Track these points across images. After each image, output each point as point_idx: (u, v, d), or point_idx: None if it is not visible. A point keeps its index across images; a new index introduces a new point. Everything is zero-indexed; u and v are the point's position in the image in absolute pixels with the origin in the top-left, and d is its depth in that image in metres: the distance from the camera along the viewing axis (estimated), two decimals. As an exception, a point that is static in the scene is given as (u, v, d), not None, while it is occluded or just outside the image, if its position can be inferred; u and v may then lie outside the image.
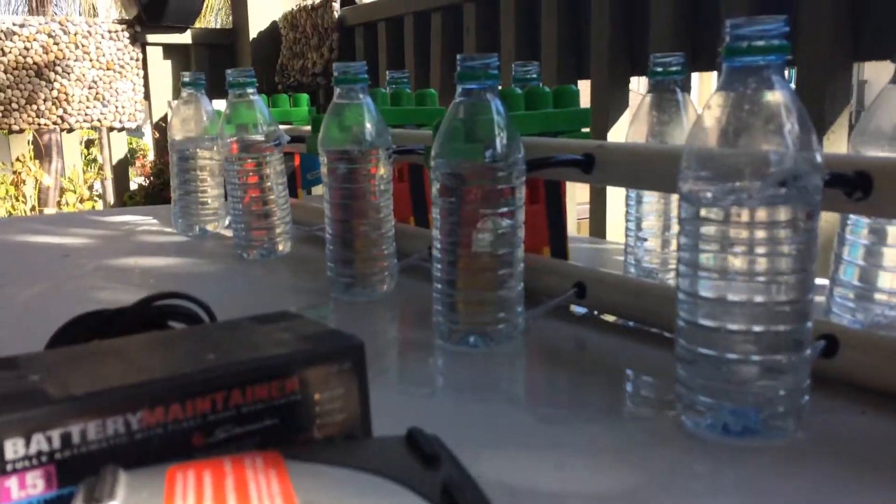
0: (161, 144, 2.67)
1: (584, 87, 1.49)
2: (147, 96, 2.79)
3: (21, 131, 2.60)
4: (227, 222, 1.29)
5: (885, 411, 0.50)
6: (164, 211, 1.42)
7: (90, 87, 2.66)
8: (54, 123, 2.64)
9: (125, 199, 2.54)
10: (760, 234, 0.43)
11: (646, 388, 0.59)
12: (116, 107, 2.73)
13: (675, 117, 0.80)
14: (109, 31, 2.66)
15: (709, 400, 0.45)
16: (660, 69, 0.78)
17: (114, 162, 2.76)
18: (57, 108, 2.64)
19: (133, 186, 2.73)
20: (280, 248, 1.09)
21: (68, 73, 2.62)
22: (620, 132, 1.41)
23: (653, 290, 0.69)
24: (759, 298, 0.43)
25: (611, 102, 1.36)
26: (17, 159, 2.62)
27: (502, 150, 0.63)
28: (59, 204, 2.60)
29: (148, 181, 2.51)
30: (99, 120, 2.72)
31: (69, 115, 2.66)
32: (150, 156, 2.99)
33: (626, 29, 1.35)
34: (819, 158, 0.44)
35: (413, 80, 1.96)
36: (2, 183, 2.53)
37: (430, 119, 1.12)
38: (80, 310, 0.50)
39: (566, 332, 0.72)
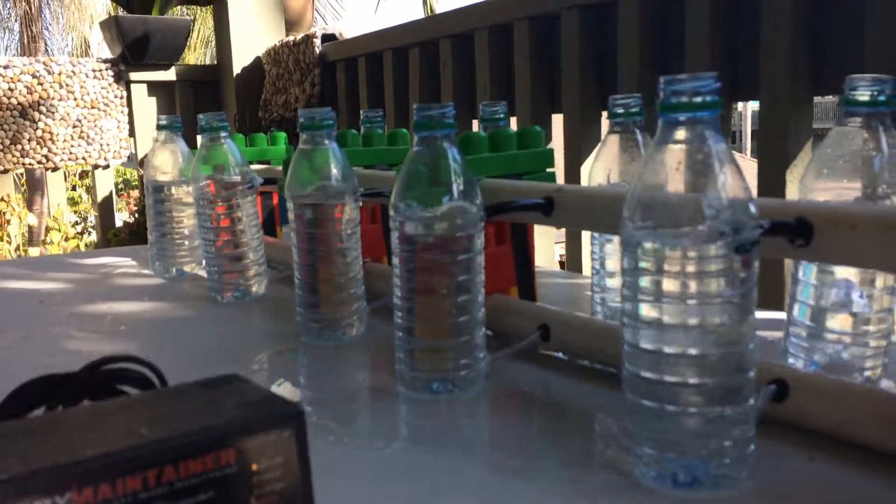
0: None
1: (559, 121, 1.51)
2: (132, 133, 2.80)
3: (5, 171, 2.61)
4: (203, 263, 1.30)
5: (833, 457, 0.50)
6: (143, 251, 1.42)
7: (75, 126, 2.67)
8: (39, 163, 2.65)
9: (109, 236, 2.54)
10: (695, 284, 0.44)
11: (604, 437, 0.59)
12: (101, 144, 2.74)
13: (635, 156, 0.81)
14: (94, 70, 2.68)
15: (653, 452, 0.46)
16: (620, 110, 0.79)
17: (99, 199, 2.77)
18: (42, 148, 2.64)
19: (119, 223, 2.74)
20: (254, 289, 1.10)
21: (53, 113, 2.63)
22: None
23: (616, 332, 0.70)
24: (694, 350, 0.44)
25: (583, 136, 1.37)
26: (2, 199, 2.62)
27: (459, 197, 0.64)
28: (43, 243, 2.60)
29: (133, 218, 2.52)
30: (84, 158, 2.72)
31: (54, 153, 2.67)
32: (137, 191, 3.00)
33: (597, 64, 1.36)
34: (753, 209, 0.45)
35: (392, 114, 1.98)
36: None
37: (401, 159, 1.13)
38: (49, 362, 0.51)
39: (531, 375, 0.72)
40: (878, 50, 0.97)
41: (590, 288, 0.88)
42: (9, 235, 2.55)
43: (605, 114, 1.47)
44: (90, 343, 0.91)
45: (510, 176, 0.84)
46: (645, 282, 0.45)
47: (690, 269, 0.44)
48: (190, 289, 1.19)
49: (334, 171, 0.83)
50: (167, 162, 1.27)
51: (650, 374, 0.45)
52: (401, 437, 0.62)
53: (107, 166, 2.78)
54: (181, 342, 0.92)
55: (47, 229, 2.64)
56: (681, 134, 0.44)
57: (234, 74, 2.72)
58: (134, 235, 2.45)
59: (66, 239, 2.62)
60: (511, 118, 1.06)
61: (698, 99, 0.44)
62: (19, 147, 2.61)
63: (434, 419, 0.63)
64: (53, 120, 2.64)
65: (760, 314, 0.47)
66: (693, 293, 0.44)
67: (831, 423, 0.52)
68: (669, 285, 0.44)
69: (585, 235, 1.41)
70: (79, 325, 0.99)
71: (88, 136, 2.71)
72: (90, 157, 2.74)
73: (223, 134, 1.07)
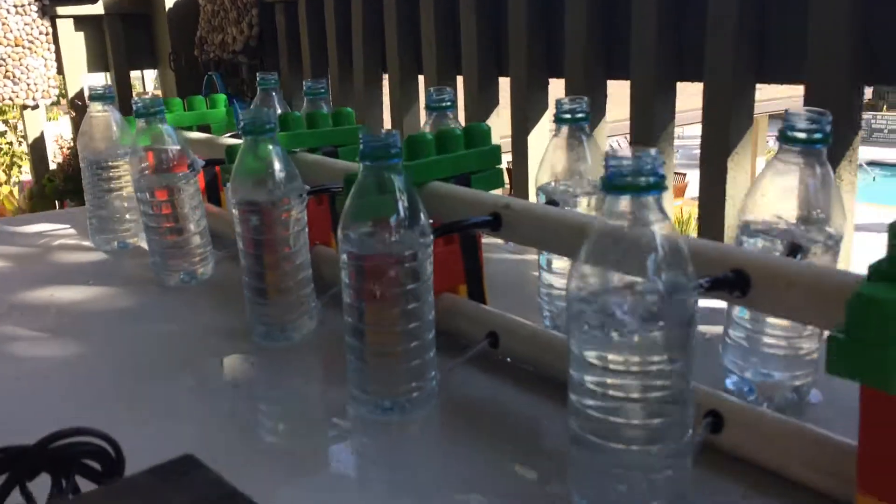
0: (78, 124, 2.57)
1: (505, 84, 1.49)
2: (60, 70, 2.67)
3: (-74, 114, 2.48)
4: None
5: (766, 494, 0.53)
6: (81, 216, 1.38)
7: (-2, 65, 2.54)
8: (-38, 104, 2.52)
9: (44, 182, 2.45)
10: (638, 360, 0.46)
11: (544, 461, 0.61)
12: (28, 84, 2.61)
13: (581, 157, 0.81)
14: (15, 6, 2.53)
15: (591, 492, 0.48)
16: (567, 116, 0.79)
17: (30, 141, 2.66)
18: (-36, 89, 2.51)
19: (52, 167, 2.64)
20: (200, 272, 1.08)
21: (-27, 51, 2.49)
22: (539, 134, 1.42)
23: (563, 344, 0.71)
24: (637, 421, 0.46)
25: (529, 102, 1.36)
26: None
27: (405, 225, 0.64)
28: (-26, 190, 2.51)
29: (64, 160, 2.42)
30: (10, 98, 2.60)
31: (-22, 95, 2.54)
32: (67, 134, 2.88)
33: (545, 31, 1.34)
34: (691, 283, 0.46)
35: (336, 62, 1.93)
36: None
37: (347, 139, 1.10)
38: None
39: (482, 385, 0.73)
40: (818, 42, 0.98)
41: (536, 268, 0.88)
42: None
43: (552, 81, 1.47)
44: (36, 347, 0.89)
45: (459, 176, 0.83)
46: (590, 354, 0.47)
47: (634, 342, 0.46)
48: (133, 268, 1.17)
49: (279, 175, 0.81)
50: (102, 133, 1.23)
51: (596, 437, 0.47)
52: (345, 469, 0.63)
53: (35, 106, 2.66)
54: (130, 342, 0.91)
55: (-24, 175, 2.54)
56: (624, 207, 0.45)
57: (167, 8, 2.59)
58: (69, 181, 2.37)
59: (-2, 185, 2.53)
60: (458, 104, 1.04)
61: (643, 179, 0.44)
62: (-61, 89, 2.47)
63: (383, 446, 0.65)
64: (-25, 59, 2.49)
65: (702, 302, 0.48)
66: (635, 364, 0.46)
67: (764, 459, 0.55)
68: (614, 358, 0.46)
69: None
70: (20, 320, 0.97)
71: (14, 76, 2.58)
72: (17, 97, 2.61)
73: (160, 118, 1.03)
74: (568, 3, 1.25)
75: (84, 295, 1.07)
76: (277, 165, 0.81)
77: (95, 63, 2.75)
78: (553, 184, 0.82)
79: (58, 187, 2.40)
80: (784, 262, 0.53)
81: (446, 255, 0.83)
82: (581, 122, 0.79)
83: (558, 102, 0.79)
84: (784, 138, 0.60)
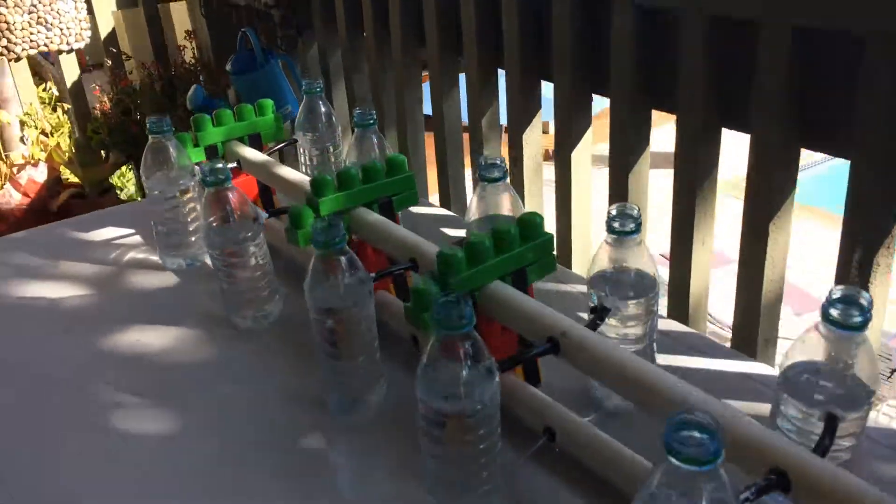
0: (116, 68, 2.59)
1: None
2: (90, 12, 2.66)
3: (-33, 67, 2.51)
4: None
5: None
6: (140, 216, 1.45)
7: (30, 12, 2.53)
8: (0, 54, 2.54)
9: (89, 133, 2.50)
10: None
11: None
12: (61, 28, 2.61)
13: (631, 261, 0.87)
14: (40, -50, 2.49)
15: None
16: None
17: (69, 85, 2.68)
18: (1, 39, 2.52)
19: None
20: (269, 312, 1.17)
21: (5, 0, 2.48)
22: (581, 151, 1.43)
23: (625, 453, 0.79)
24: None
25: (525, 104, 1.37)
26: (-30, 95, 2.54)
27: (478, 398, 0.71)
28: (21, 140, 2.56)
29: (105, 106, 2.45)
30: (45, 44, 2.61)
31: (14, 43, 2.55)
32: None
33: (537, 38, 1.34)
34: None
35: (371, 22, 1.89)
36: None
37: (401, 188, 1.14)
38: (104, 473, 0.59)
39: (541, 484, 0.83)
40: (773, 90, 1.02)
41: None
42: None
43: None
44: (138, 418, 0.99)
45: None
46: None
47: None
48: (204, 299, 1.25)
49: (349, 279, 0.88)
50: (162, 163, 1.29)
51: None
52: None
53: (70, 50, 2.67)
54: (219, 408, 1.00)
55: (22, 125, 2.58)
56: (684, 479, 0.52)
57: (194, -55, 2.53)
58: (114, 133, 2.42)
59: (45, 134, 2.58)
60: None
61: (705, 455, 0.51)
62: (-24, 40, 2.49)
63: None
64: (7, 8, 2.49)
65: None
66: None
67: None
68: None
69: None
70: (115, 380, 1.07)
71: (46, 21, 2.58)
72: (52, 42, 2.62)
73: (227, 184, 1.09)
74: (613, 29, 1.24)
75: (165, 340, 1.16)
76: (348, 274, 0.88)
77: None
78: (604, 292, 0.87)
79: (103, 140, 2.46)
80: (826, 467, 0.60)
81: (504, 338, 0.91)
82: (632, 234, 0.84)
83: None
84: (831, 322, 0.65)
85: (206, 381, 1.07)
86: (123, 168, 2.65)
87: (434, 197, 1.96)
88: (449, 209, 1.82)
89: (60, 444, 0.96)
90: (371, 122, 1.25)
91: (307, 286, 0.89)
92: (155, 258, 1.39)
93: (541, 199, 1.54)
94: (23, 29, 2.53)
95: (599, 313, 0.84)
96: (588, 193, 1.41)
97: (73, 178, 2.57)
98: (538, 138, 1.45)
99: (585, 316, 0.91)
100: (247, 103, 1.50)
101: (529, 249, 0.91)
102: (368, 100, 2.04)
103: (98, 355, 1.13)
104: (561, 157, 1.37)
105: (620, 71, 1.24)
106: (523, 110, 1.41)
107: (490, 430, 0.74)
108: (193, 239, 1.34)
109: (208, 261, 1.36)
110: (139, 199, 2.84)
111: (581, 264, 1.52)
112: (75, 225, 1.54)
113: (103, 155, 2.51)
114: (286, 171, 1.30)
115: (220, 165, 1.08)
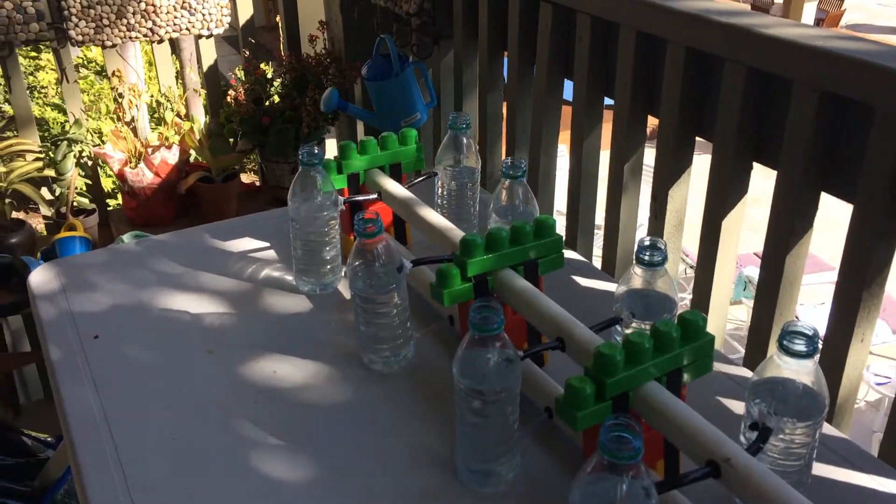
0: (252, 58, 2.65)
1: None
2: (232, -1, 2.72)
3: (113, 46, 2.61)
4: (342, 273, 1.37)
5: None
6: (280, 224, 1.49)
7: (176, -4, 2.61)
8: (144, 36, 2.63)
9: (222, 119, 2.57)
10: None
11: None
12: (203, 14, 2.68)
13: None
14: (190, -63, 2.56)
15: None
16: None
17: (205, 70, 2.76)
18: (146, 21, 2.61)
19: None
20: (402, 355, 1.18)
21: (153, -16, 2.56)
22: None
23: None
24: None
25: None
26: (114, 73, 2.65)
27: None
28: (162, 121, 2.65)
29: (242, 105, 2.51)
30: (187, 29, 2.68)
31: (158, 26, 2.63)
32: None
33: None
34: None
35: (515, 45, 1.86)
36: (102, 99, 2.59)
37: (548, 251, 1.12)
38: None
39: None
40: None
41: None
42: (123, 110, 2.60)
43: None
44: (275, 456, 1.02)
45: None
46: None
47: None
48: (338, 332, 1.27)
49: (500, 367, 0.88)
50: (310, 193, 1.31)
51: None
52: None
53: (210, 36, 2.74)
54: (357, 462, 1.02)
55: (159, 106, 2.68)
56: None
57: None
58: (244, 124, 2.48)
59: (180, 116, 2.66)
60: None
61: None
62: (124, 21, 2.58)
63: None
64: (155, -9, 2.57)
65: None
66: None
67: None
68: None
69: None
70: (256, 415, 1.10)
71: (190, 6, 2.65)
72: (193, 27, 2.69)
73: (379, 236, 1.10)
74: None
75: (301, 374, 1.18)
76: (499, 357, 0.88)
77: (264, -11, 2.77)
78: (767, 406, 0.84)
79: (234, 129, 2.52)
80: None
81: (650, 439, 0.89)
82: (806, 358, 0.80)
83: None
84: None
85: (339, 424, 1.09)
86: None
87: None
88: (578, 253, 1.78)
89: (198, 472, 1.00)
90: (464, 126, 1.38)
91: (459, 365, 0.89)
92: (289, 278, 1.42)
93: (677, 256, 1.50)
94: (168, 12, 2.61)
95: (762, 434, 0.81)
96: (732, 266, 1.36)
97: (200, 159, 2.65)
98: (684, 195, 1.41)
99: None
100: (376, 107, 1.58)
101: (690, 350, 0.88)
102: (498, 119, 2.02)
103: (239, 384, 1.16)
104: (710, 224, 1.34)
105: (791, 147, 1.20)
106: (675, 161, 1.37)
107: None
108: (329, 268, 1.36)
109: (340, 287, 1.38)
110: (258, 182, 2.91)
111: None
112: (216, 231, 1.59)
113: (232, 142, 2.58)
114: (427, 213, 1.30)
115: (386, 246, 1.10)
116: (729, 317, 1.46)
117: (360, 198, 1.41)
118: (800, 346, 0.80)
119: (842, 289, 1.15)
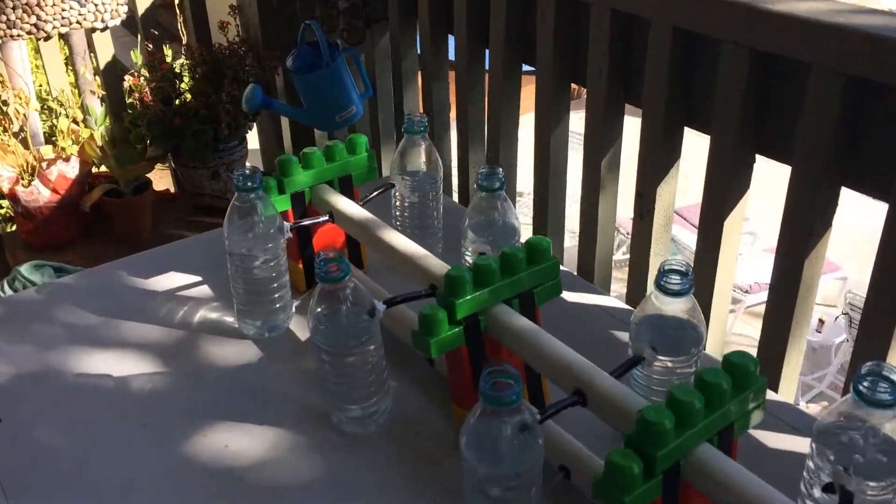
0: (156, 52, 2.36)
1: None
2: (127, -15, 2.42)
3: (-8, 46, 2.28)
4: (292, 310, 1.17)
5: None
6: (213, 262, 1.26)
7: (62, -13, 2.30)
8: (28, 33, 2.32)
9: (127, 124, 2.28)
10: None
11: None
12: (96, 4, 2.38)
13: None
14: (74, -82, 2.25)
15: None
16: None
17: (102, 67, 2.46)
18: (29, 16, 2.30)
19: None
20: (374, 410, 1.00)
21: (34, -26, 2.25)
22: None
23: None
24: None
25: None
26: (-2, 80, 2.32)
27: None
28: (52, 130, 2.35)
29: (147, 105, 2.23)
30: (78, 22, 2.38)
31: (44, 21, 2.32)
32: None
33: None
34: None
35: (462, 26, 1.66)
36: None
37: (544, 279, 0.95)
38: None
39: None
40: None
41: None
42: (9, 119, 2.28)
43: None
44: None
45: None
46: None
47: None
48: (298, 390, 1.07)
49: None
50: (248, 224, 1.10)
51: None
52: None
53: (105, 28, 2.44)
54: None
55: (51, 111, 2.37)
56: None
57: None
58: (154, 127, 2.21)
59: (76, 122, 2.36)
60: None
61: None
62: (3, 17, 2.27)
63: None
64: (37, -18, 2.26)
65: None
66: None
67: None
68: None
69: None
70: (209, 497, 0.90)
71: (80, -3, 2.35)
72: (85, 19, 2.39)
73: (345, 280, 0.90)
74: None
75: (259, 447, 0.98)
76: (519, 438, 0.71)
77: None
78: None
79: (142, 134, 2.25)
80: None
81: None
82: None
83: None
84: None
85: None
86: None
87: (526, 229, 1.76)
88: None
89: None
90: (422, 129, 1.25)
91: (467, 445, 0.72)
92: (230, 319, 1.21)
93: (665, 259, 1.36)
94: (54, 5, 2.30)
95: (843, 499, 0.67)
96: (733, 267, 1.22)
97: (103, 169, 2.36)
98: (672, 192, 1.25)
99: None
100: (305, 102, 1.53)
101: (738, 404, 0.74)
102: (447, 110, 1.83)
103: (184, 465, 0.95)
104: (708, 226, 1.18)
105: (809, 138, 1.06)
106: (662, 155, 1.21)
107: None
108: (278, 305, 1.16)
109: (293, 326, 1.18)
110: (173, 190, 2.64)
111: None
112: (133, 266, 1.35)
113: (139, 148, 2.30)
114: (391, 236, 1.11)
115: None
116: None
117: (309, 221, 1.20)
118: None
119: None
